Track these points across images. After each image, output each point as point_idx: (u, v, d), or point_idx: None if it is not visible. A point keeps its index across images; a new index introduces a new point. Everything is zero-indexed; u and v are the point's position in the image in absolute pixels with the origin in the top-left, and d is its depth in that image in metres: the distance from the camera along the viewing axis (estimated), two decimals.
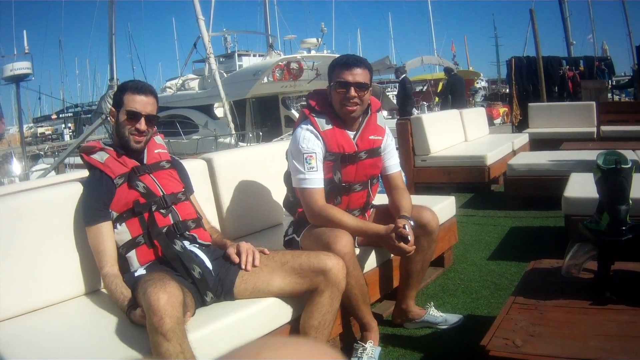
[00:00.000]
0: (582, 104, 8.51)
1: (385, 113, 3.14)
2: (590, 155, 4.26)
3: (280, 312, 2.10)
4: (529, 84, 10.36)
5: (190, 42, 11.71)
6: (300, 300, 2.11)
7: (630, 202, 1.91)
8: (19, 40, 23.32)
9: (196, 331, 1.77)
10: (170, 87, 15.58)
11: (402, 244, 2.30)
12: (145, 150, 2.20)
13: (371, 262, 2.68)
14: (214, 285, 2.02)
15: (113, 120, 2.17)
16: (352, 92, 2.38)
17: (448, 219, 3.50)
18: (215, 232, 2.36)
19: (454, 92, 11.35)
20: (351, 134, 2.49)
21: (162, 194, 2.12)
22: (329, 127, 2.45)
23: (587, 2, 29.42)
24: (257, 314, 2.00)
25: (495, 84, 32.41)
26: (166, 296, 1.60)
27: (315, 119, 2.47)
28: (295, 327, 2.12)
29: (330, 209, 2.40)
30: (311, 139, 2.42)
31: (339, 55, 2.58)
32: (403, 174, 2.79)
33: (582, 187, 3.59)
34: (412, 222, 2.39)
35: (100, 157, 2.11)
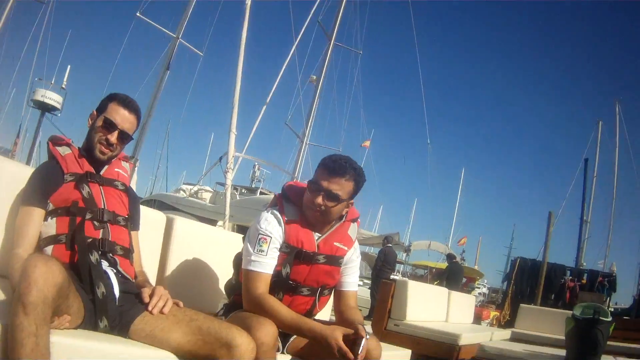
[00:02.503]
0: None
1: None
2: None
3: None
4: (527, 286, 10.33)
5: None
6: None
7: None
8: (61, 73, 23.80)
9: (67, 339, 1.60)
10: (184, 190, 15.87)
11: (347, 351, 2.01)
12: (106, 166, 2.19)
13: None
14: (112, 313, 1.85)
15: (89, 123, 2.17)
16: (319, 199, 2.25)
17: None
18: (142, 275, 2.23)
19: (450, 278, 11.26)
20: (316, 235, 2.36)
21: (103, 206, 2.07)
22: (295, 218, 2.33)
23: (608, 226, 29.38)
24: None
25: (496, 293, 32.06)
26: (45, 269, 1.50)
27: (284, 206, 2.36)
28: None
29: (269, 297, 2.21)
30: (272, 223, 2.29)
31: (331, 155, 2.43)
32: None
33: None
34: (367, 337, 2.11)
35: (62, 150, 2.12)
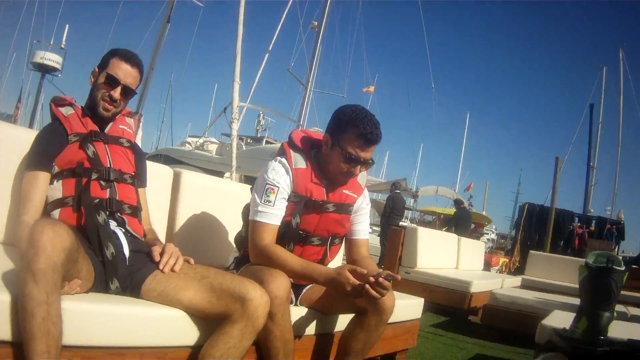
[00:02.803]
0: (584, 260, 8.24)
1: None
2: None
3: (184, 331, 1.80)
4: (536, 232, 10.32)
5: None
6: (212, 327, 1.81)
7: (615, 314, 1.66)
8: (59, 34, 23.18)
9: (79, 304, 1.56)
10: (190, 143, 15.80)
11: (358, 284, 1.98)
12: (111, 122, 2.13)
13: (309, 328, 2.38)
14: (123, 274, 1.82)
15: (92, 80, 2.09)
16: (358, 170, 2.22)
17: (410, 319, 3.21)
18: (151, 233, 2.19)
19: (459, 224, 11.24)
20: (325, 183, 2.29)
21: (109, 165, 2.02)
22: (303, 166, 2.25)
23: (615, 172, 29.49)
24: (158, 321, 1.74)
25: (505, 239, 32.27)
26: (52, 234, 1.46)
27: (292, 153, 2.28)
28: (194, 355, 1.82)
29: (275, 247, 2.15)
30: (280, 172, 2.22)
31: (354, 111, 2.22)
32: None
33: (563, 321, 3.30)
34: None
35: (65, 110, 2.07)
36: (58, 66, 22.03)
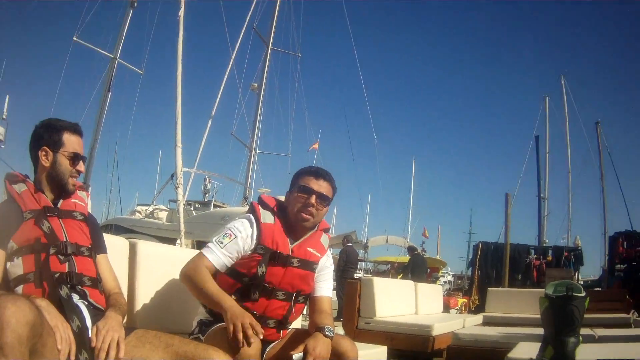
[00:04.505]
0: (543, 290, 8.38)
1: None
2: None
3: None
4: (493, 269, 10.51)
5: None
6: None
7: (581, 338, 1.75)
8: None
9: None
10: (139, 212, 15.59)
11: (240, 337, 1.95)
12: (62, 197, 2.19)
13: None
14: (90, 347, 1.83)
15: (46, 160, 2.12)
16: (313, 200, 2.38)
17: None
18: (115, 299, 2.16)
19: (414, 271, 11.37)
20: (291, 240, 2.42)
21: (65, 239, 2.05)
22: (271, 221, 2.40)
23: (567, 200, 28.75)
24: None
25: (462, 280, 32.50)
26: (14, 308, 1.51)
27: (261, 210, 2.43)
28: None
29: (202, 270, 2.26)
30: (245, 225, 2.38)
31: (308, 166, 2.60)
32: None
33: (529, 352, 3.39)
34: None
35: (19, 187, 2.11)
36: (1, 137, 21.48)
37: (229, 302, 2.16)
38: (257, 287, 2.30)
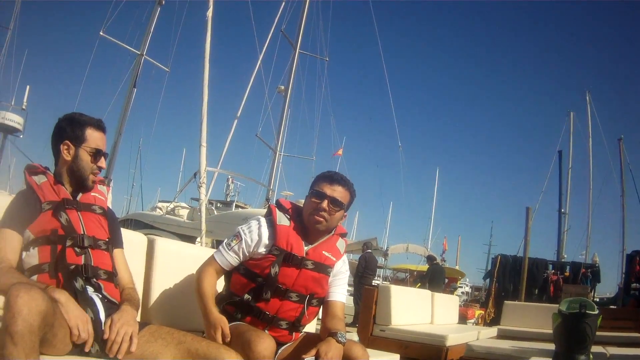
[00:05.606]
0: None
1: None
2: None
3: None
4: (510, 283, 10.39)
5: None
6: None
7: (592, 356, 1.73)
8: (20, 94, 23.01)
9: None
10: (160, 208, 15.72)
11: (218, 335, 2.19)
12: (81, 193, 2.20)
13: None
14: (103, 339, 1.85)
15: (67, 153, 2.13)
16: (325, 204, 2.39)
17: None
18: (129, 294, 2.18)
19: (433, 280, 11.32)
20: (306, 244, 2.43)
21: (82, 232, 2.06)
22: (286, 223, 2.43)
23: (587, 217, 29.09)
24: None
25: (479, 291, 32.19)
26: (27, 297, 1.52)
27: (277, 212, 2.47)
28: None
29: (207, 276, 2.40)
30: (252, 228, 2.43)
31: (327, 170, 2.62)
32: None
33: None
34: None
35: (38, 179, 2.12)
36: (19, 127, 21.78)
37: (212, 309, 2.32)
38: (269, 287, 2.33)
